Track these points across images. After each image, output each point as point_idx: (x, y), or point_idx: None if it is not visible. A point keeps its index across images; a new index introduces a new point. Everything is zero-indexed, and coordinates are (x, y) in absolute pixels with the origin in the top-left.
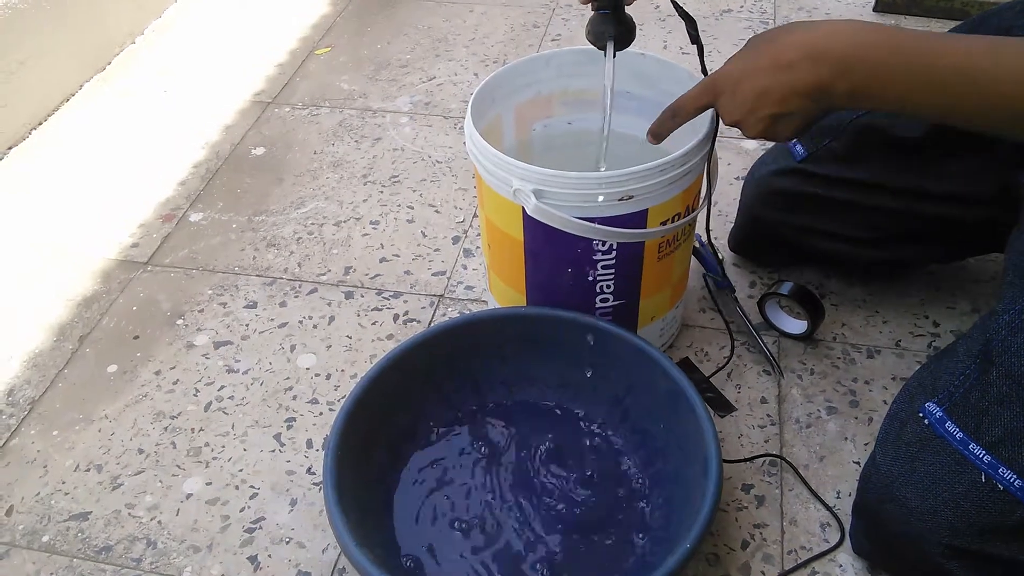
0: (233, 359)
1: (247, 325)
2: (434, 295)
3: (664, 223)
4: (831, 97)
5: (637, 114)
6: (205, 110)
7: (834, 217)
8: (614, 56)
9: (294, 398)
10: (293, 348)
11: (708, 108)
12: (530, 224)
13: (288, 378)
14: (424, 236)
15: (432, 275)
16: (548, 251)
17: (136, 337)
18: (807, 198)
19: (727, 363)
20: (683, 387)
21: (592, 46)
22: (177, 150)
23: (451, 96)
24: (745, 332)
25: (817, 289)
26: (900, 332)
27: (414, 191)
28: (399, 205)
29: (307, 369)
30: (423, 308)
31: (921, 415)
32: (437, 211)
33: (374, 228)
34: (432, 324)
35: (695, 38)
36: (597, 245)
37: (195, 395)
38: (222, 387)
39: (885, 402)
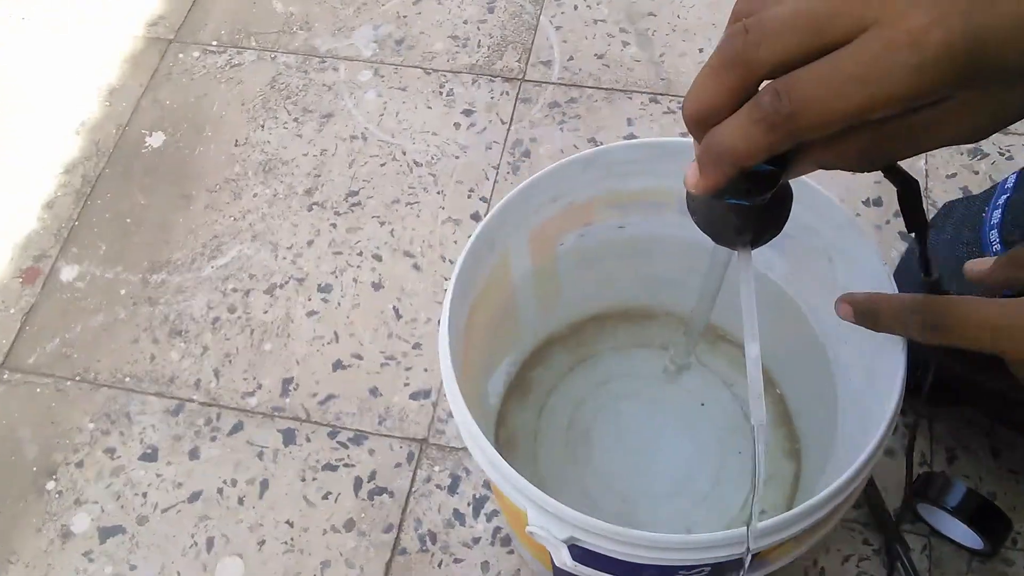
0: (127, 563)
1: (144, 495)
2: (414, 439)
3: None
4: None
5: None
6: (80, 57)
7: None
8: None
9: None
10: (210, 544)
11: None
12: None
13: None
14: (398, 317)
15: (410, 397)
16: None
17: None
18: None
19: None
20: None
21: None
22: (41, 138)
23: (434, 28)
24: (884, 524)
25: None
26: None
27: (383, 223)
28: (361, 253)
29: None
30: (397, 466)
31: None
32: (416, 265)
33: (324, 300)
34: (410, 498)
35: (918, 220)
36: None
37: None
38: None
39: None
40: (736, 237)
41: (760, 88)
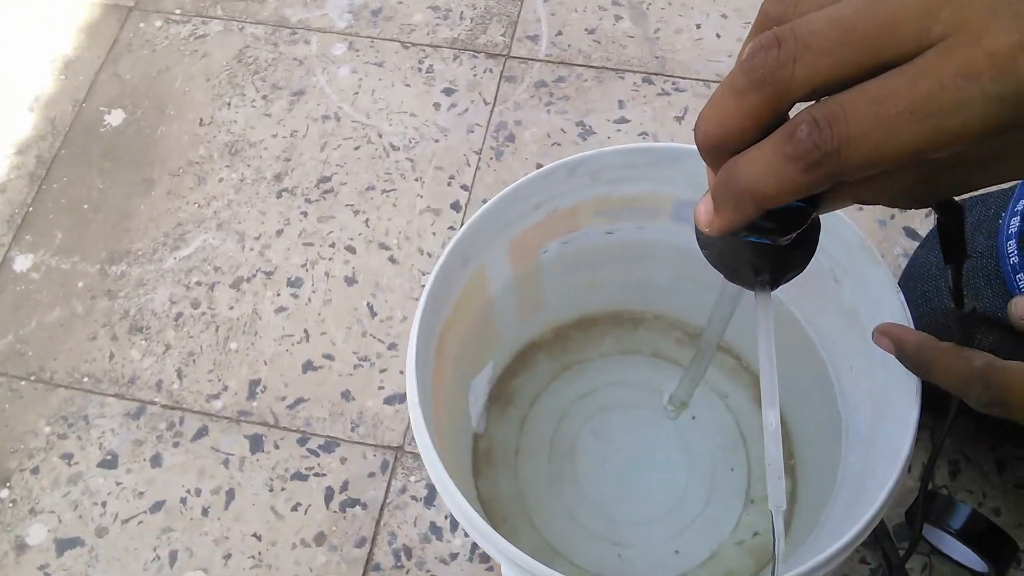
0: None
1: (104, 504)
2: (388, 447)
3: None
4: None
5: None
6: (31, 25)
7: None
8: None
9: None
10: (173, 558)
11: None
12: None
13: None
14: (373, 314)
15: (385, 401)
16: None
17: None
18: None
19: None
20: None
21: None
22: None
23: None
24: (884, 547)
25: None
26: None
27: (356, 212)
28: (333, 244)
29: None
30: (371, 476)
31: None
32: (392, 258)
33: (294, 295)
34: (384, 510)
35: (957, 252)
36: None
37: None
38: None
39: None
40: (754, 277)
41: (792, 112)
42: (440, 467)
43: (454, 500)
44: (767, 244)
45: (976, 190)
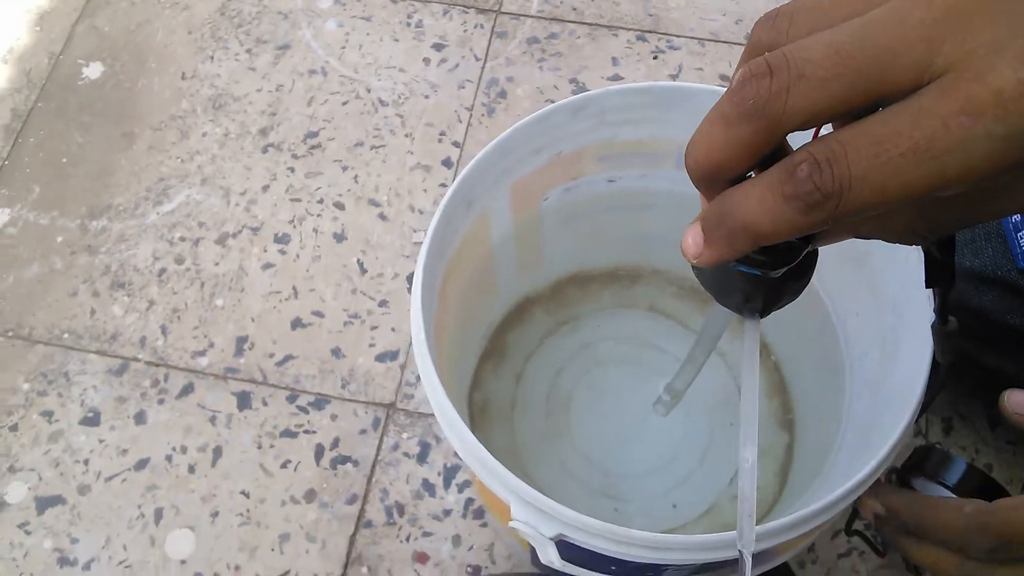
0: (67, 535)
1: (86, 462)
2: (380, 404)
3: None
4: None
5: None
6: None
7: None
8: (757, 331)
9: None
10: (159, 516)
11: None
12: None
13: None
14: (363, 271)
15: (376, 358)
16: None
17: None
18: None
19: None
20: None
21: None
22: None
23: None
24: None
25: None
26: None
27: (345, 168)
28: (321, 200)
29: (182, 563)
30: (362, 433)
31: None
32: (383, 215)
33: (281, 251)
34: (375, 467)
35: (944, 277)
36: None
37: None
38: None
39: None
40: (744, 304)
41: (788, 145)
42: (448, 405)
43: (462, 439)
44: (757, 274)
45: (980, 223)
